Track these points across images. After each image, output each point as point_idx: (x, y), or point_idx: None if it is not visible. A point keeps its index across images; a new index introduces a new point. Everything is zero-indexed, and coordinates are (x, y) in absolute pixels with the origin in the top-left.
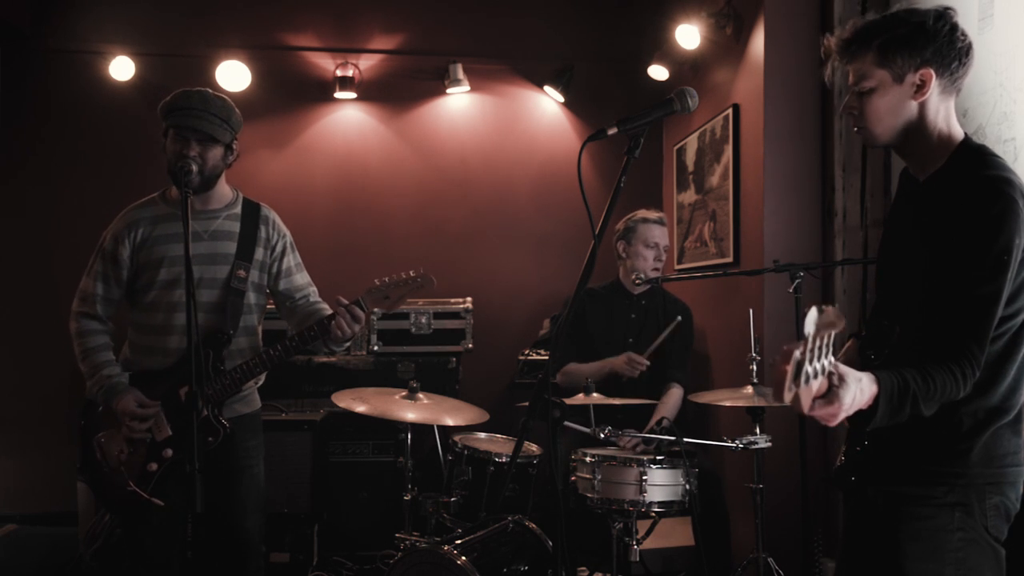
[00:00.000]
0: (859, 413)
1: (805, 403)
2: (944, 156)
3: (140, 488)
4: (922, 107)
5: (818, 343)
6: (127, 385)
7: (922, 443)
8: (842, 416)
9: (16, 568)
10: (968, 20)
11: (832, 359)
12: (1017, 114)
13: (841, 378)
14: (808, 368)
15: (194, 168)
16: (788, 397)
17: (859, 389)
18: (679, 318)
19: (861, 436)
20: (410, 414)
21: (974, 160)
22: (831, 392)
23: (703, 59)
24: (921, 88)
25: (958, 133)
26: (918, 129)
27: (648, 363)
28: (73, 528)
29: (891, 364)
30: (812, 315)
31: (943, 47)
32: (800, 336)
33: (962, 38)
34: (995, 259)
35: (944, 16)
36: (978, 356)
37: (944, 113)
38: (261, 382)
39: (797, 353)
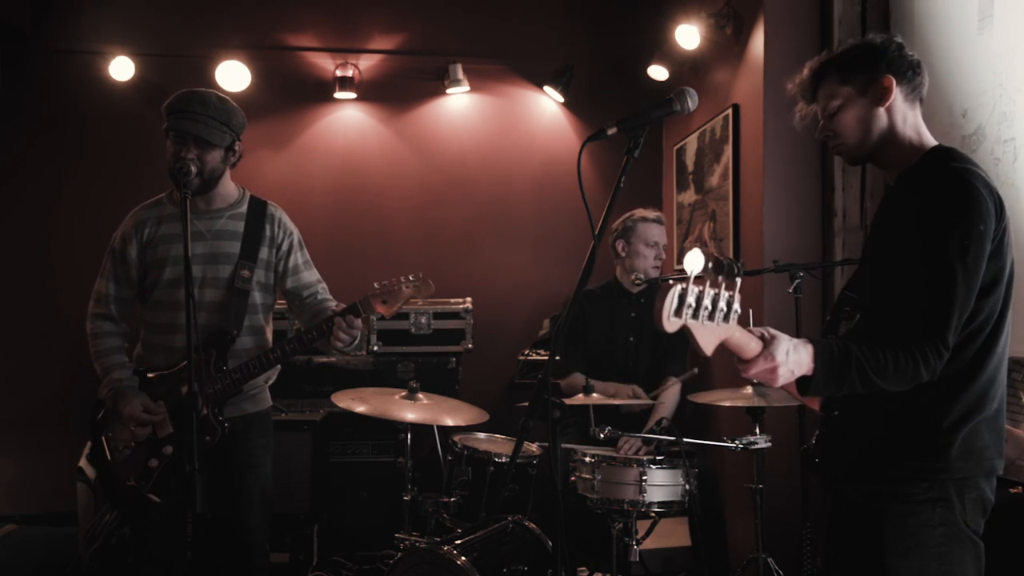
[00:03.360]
0: (805, 380)
1: (703, 342)
2: (915, 158)
3: (141, 484)
4: (890, 114)
5: (710, 290)
6: (136, 389)
7: (903, 440)
8: (783, 375)
9: (16, 568)
10: (968, 20)
11: (737, 308)
12: (1017, 114)
13: (773, 336)
14: (691, 300)
15: (192, 170)
16: (669, 326)
17: (792, 347)
18: (695, 370)
19: (829, 419)
20: (410, 414)
21: (941, 156)
22: (765, 349)
23: (703, 59)
24: (885, 94)
25: (930, 141)
26: (890, 137)
27: (651, 402)
28: (73, 528)
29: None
30: (694, 254)
31: (895, 58)
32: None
33: (910, 54)
34: (956, 243)
35: (890, 38)
36: (943, 335)
37: (912, 121)
38: (272, 380)
39: (679, 287)
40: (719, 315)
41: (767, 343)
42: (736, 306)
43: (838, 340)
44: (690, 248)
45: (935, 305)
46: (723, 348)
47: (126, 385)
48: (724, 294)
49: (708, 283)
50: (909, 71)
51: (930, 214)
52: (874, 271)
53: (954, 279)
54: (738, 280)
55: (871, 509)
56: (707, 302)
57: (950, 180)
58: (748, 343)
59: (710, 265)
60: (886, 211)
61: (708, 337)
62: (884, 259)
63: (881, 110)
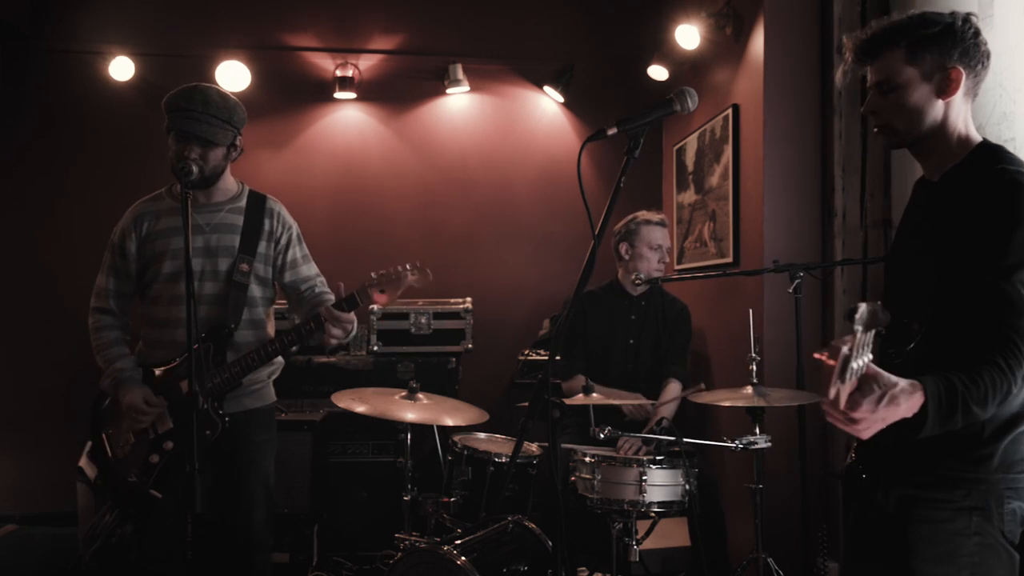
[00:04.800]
0: (906, 422)
1: (844, 401)
2: (961, 155)
3: (142, 480)
4: (947, 107)
5: (862, 340)
6: (138, 380)
7: (941, 447)
8: (870, 423)
9: (16, 568)
10: None
11: (870, 356)
12: (1017, 114)
13: (875, 379)
14: (853, 365)
15: (195, 169)
16: (832, 392)
17: (889, 396)
18: (702, 385)
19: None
20: (410, 414)
21: (991, 156)
22: (857, 400)
23: (703, 59)
24: (950, 87)
25: (976, 136)
26: (940, 130)
27: (651, 403)
28: (73, 528)
29: (915, 361)
30: (863, 310)
31: (970, 48)
32: (846, 333)
33: (984, 43)
34: (1020, 247)
35: (969, 20)
36: (1021, 346)
37: (964, 115)
38: (276, 375)
39: (845, 349)
40: (859, 370)
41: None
42: (869, 356)
43: (944, 379)
44: (691, 248)
45: (1010, 314)
46: (725, 345)
47: (128, 375)
48: (868, 345)
49: (858, 340)
50: (979, 64)
51: (990, 221)
52: (928, 278)
53: (1022, 288)
54: (876, 331)
55: (901, 514)
56: (859, 360)
57: (1004, 184)
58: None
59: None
60: (929, 210)
61: (846, 393)
62: (931, 264)
63: (940, 102)
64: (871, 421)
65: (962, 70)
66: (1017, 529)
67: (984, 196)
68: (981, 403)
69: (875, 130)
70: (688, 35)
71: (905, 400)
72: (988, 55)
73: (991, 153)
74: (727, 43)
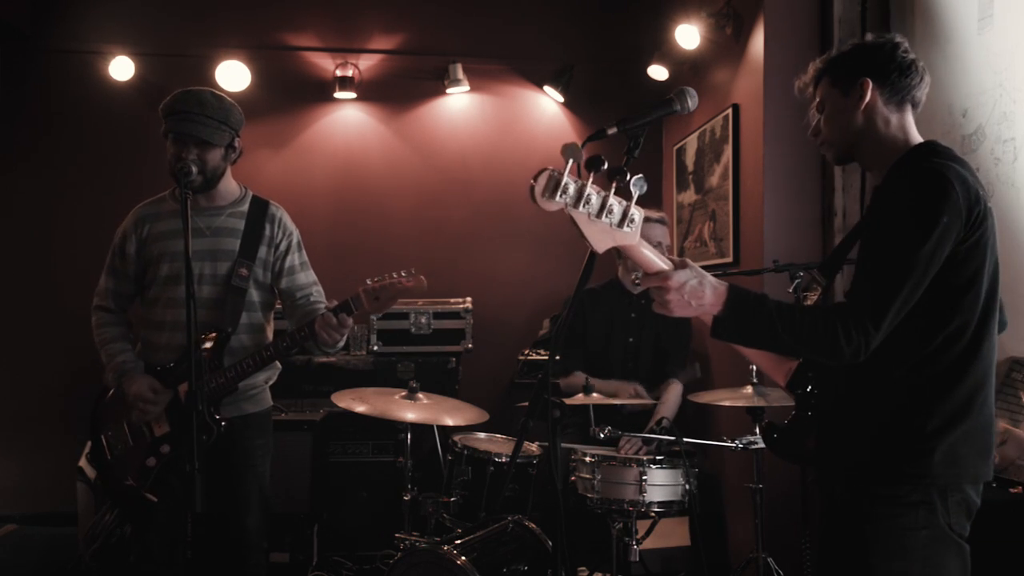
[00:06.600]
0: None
1: (591, 236)
2: (900, 155)
3: (140, 483)
4: (868, 116)
5: (597, 188)
6: (141, 371)
7: (887, 441)
8: (675, 300)
9: (16, 568)
10: (968, 20)
11: (636, 220)
12: (1017, 114)
13: (681, 263)
14: (570, 188)
15: (194, 170)
16: (544, 204)
17: (698, 282)
18: (696, 366)
19: (804, 403)
20: (410, 414)
21: (924, 152)
22: (665, 270)
23: (703, 59)
24: (862, 96)
25: (916, 139)
26: (870, 138)
27: (652, 402)
28: (73, 528)
29: None
30: (572, 145)
31: (881, 60)
32: None
33: (904, 55)
34: (913, 231)
35: (885, 37)
36: (874, 316)
37: (897, 123)
38: (273, 380)
39: (553, 169)
40: (611, 218)
41: (674, 265)
42: (637, 217)
43: (759, 293)
44: (691, 248)
45: (877, 286)
46: (725, 345)
47: (131, 367)
48: (618, 200)
49: (591, 180)
50: (894, 73)
51: (896, 201)
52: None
53: (903, 266)
54: (634, 191)
55: (857, 510)
56: (593, 199)
57: (924, 172)
58: (654, 261)
59: (604, 165)
60: (869, 207)
61: (598, 234)
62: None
63: (858, 111)
64: (679, 297)
65: (870, 80)
66: (965, 521)
67: (905, 181)
68: (790, 331)
69: (819, 148)
70: (688, 35)
71: (711, 292)
72: (909, 63)
73: (927, 149)
74: (727, 43)
